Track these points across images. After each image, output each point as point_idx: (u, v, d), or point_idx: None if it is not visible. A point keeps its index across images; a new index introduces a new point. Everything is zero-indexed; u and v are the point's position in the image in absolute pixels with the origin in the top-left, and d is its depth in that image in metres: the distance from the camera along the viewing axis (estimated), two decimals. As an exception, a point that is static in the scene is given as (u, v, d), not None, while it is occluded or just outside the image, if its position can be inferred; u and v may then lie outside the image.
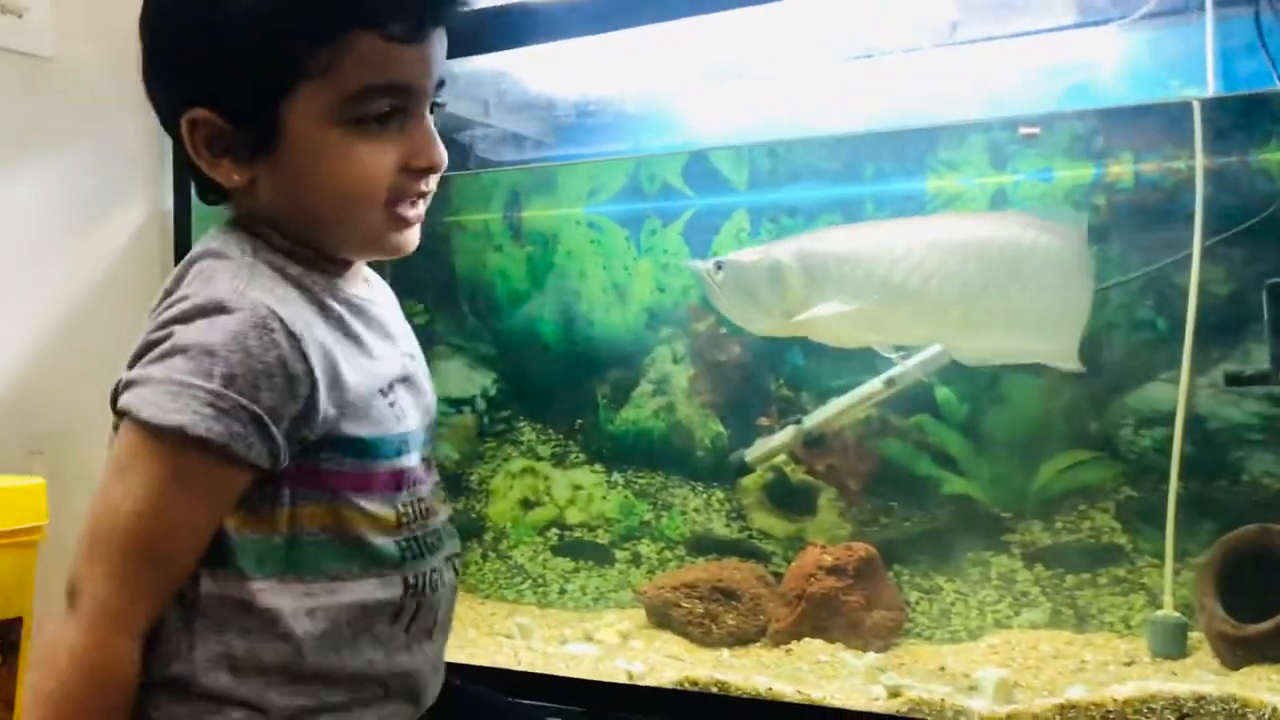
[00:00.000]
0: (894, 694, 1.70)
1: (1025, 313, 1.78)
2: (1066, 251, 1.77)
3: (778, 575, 2.19)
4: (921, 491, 2.15)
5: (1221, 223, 1.81)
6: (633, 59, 2.11)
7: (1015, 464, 2.08)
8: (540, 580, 2.46)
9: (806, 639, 2.04)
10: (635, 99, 2.32)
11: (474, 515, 2.53)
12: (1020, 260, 1.78)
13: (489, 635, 2.22)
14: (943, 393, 2.11)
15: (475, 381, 2.59)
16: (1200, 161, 1.79)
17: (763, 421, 2.27)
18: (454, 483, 2.55)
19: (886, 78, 2.06)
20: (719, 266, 1.91)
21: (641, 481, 2.41)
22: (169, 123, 0.97)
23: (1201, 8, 1.85)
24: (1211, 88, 1.85)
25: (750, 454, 2.20)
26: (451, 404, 2.57)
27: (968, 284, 1.78)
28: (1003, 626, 2.04)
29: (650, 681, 1.85)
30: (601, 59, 2.10)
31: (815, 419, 2.12)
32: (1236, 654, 1.70)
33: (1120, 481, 1.99)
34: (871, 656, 1.94)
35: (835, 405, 2.10)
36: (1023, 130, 1.98)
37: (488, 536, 2.52)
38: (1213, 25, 1.84)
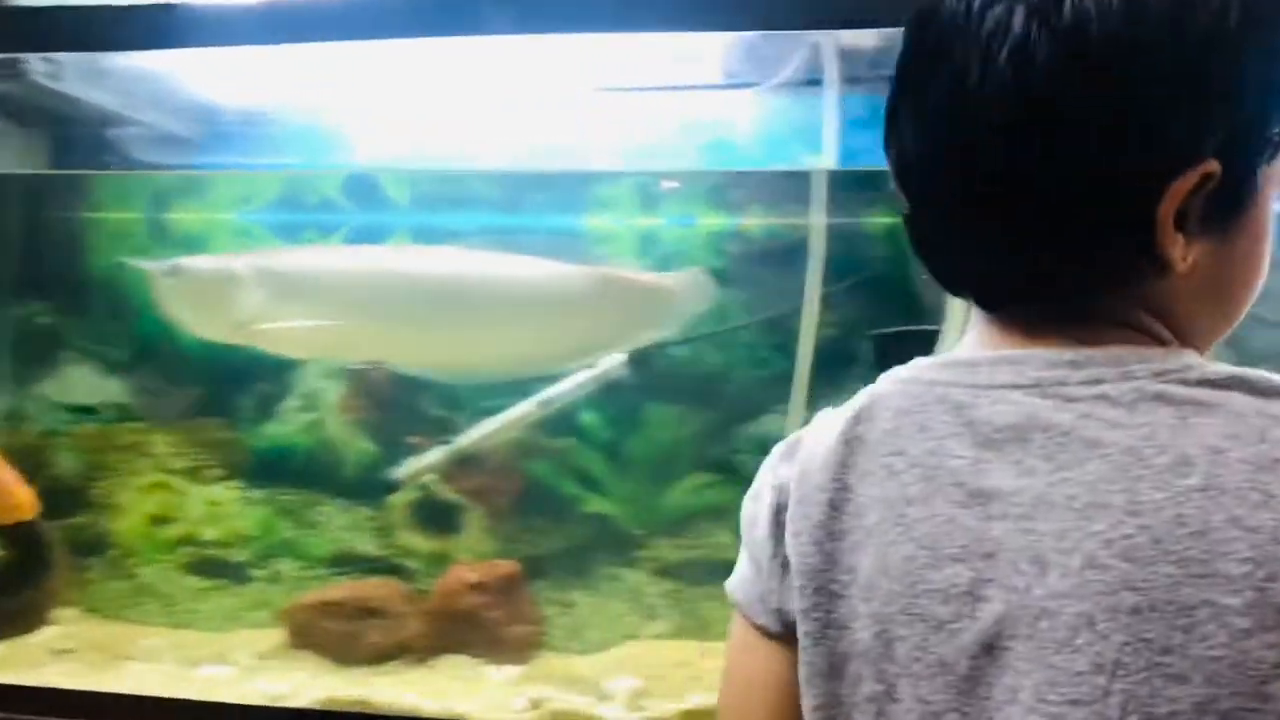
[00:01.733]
0: (536, 705, 1.80)
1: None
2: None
3: (423, 593, 2.24)
4: (563, 510, 2.27)
5: (836, 275, 2.07)
6: (302, 73, 2.09)
7: (649, 485, 2.25)
8: (171, 600, 2.35)
9: (449, 654, 2.10)
10: (302, 112, 2.30)
11: (96, 531, 2.38)
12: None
13: (113, 659, 2.10)
14: (588, 416, 2.25)
15: (104, 389, 2.45)
16: (818, 223, 2.03)
17: (413, 440, 2.31)
18: (75, 496, 2.39)
19: (555, 118, 2.18)
20: (174, 270, 1.99)
21: (285, 499, 2.37)
22: (1141, 181, 0.69)
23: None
24: (831, 157, 2.10)
25: (400, 472, 2.24)
26: (77, 412, 2.41)
27: (416, 309, 2.03)
28: (632, 638, 2.19)
29: (292, 703, 1.84)
30: (272, 69, 2.07)
31: (466, 438, 2.20)
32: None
33: (739, 502, 2.20)
34: (511, 670, 2.03)
35: (487, 425, 2.18)
36: (665, 184, 2.16)
37: (112, 554, 2.38)
38: (836, 99, 2.08)
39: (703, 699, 1.78)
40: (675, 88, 2.20)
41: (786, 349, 2.12)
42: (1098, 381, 0.67)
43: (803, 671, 0.74)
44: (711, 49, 2.10)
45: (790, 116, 2.21)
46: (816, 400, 2.10)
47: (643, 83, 2.20)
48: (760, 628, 0.79)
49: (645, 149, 2.23)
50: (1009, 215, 0.69)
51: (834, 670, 0.72)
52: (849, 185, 2.08)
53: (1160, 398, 0.65)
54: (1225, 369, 0.67)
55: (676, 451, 2.24)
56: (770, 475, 0.80)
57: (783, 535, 0.76)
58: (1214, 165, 0.68)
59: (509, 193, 2.27)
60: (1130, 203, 0.68)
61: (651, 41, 2.06)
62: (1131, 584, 0.61)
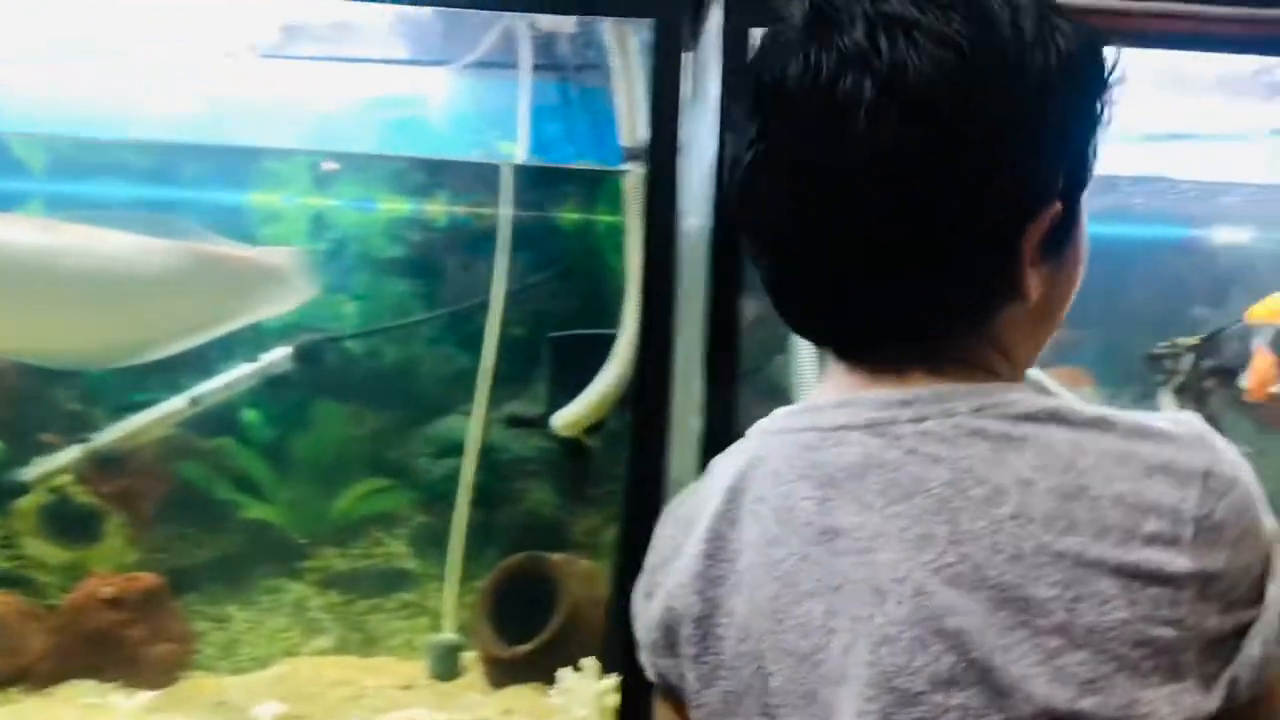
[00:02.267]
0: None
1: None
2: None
3: (51, 609, 1.98)
4: (219, 516, 2.07)
5: (524, 271, 1.98)
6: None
7: (316, 490, 2.08)
8: None
9: (76, 680, 1.86)
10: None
11: None
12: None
13: None
14: (248, 414, 2.05)
15: None
16: (505, 216, 1.93)
17: (47, 439, 2.04)
18: None
19: (218, 82, 1.97)
20: None
21: (-119, 502, 2.04)
22: (1006, 227, 0.74)
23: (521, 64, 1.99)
24: (523, 144, 2.00)
25: (27, 474, 1.97)
26: None
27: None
28: (292, 654, 2.02)
29: None
30: None
31: (107, 437, 1.96)
32: (501, 674, 1.84)
33: (415, 508, 2.08)
34: (145, 696, 1.81)
35: (131, 423, 1.95)
36: (324, 165, 2.00)
37: None
38: (529, 84, 1.99)
39: (357, 722, 1.64)
40: (361, 60, 2.04)
41: (472, 345, 2.01)
42: (922, 419, 0.72)
43: (697, 715, 0.78)
44: (403, 23, 1.96)
45: (483, 98, 2.09)
46: (501, 400, 2.00)
47: (325, 53, 2.04)
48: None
49: (327, 124, 2.06)
50: (870, 263, 0.72)
51: (728, 709, 0.76)
52: (540, 178, 1.99)
53: (978, 433, 0.70)
54: (1047, 403, 0.71)
55: (347, 453, 2.09)
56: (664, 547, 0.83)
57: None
58: (1058, 203, 0.74)
59: (162, 163, 2.04)
60: (992, 248, 0.72)
61: (337, 10, 1.90)
62: (956, 609, 0.67)
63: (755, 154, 0.75)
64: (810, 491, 0.73)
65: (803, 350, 1.96)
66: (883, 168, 0.70)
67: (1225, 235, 2.03)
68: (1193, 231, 2.05)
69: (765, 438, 0.78)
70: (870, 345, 0.76)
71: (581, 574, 1.86)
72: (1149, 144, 1.80)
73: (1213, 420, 1.54)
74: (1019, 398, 0.72)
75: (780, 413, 0.79)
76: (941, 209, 0.71)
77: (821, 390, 0.80)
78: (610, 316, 1.69)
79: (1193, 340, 1.60)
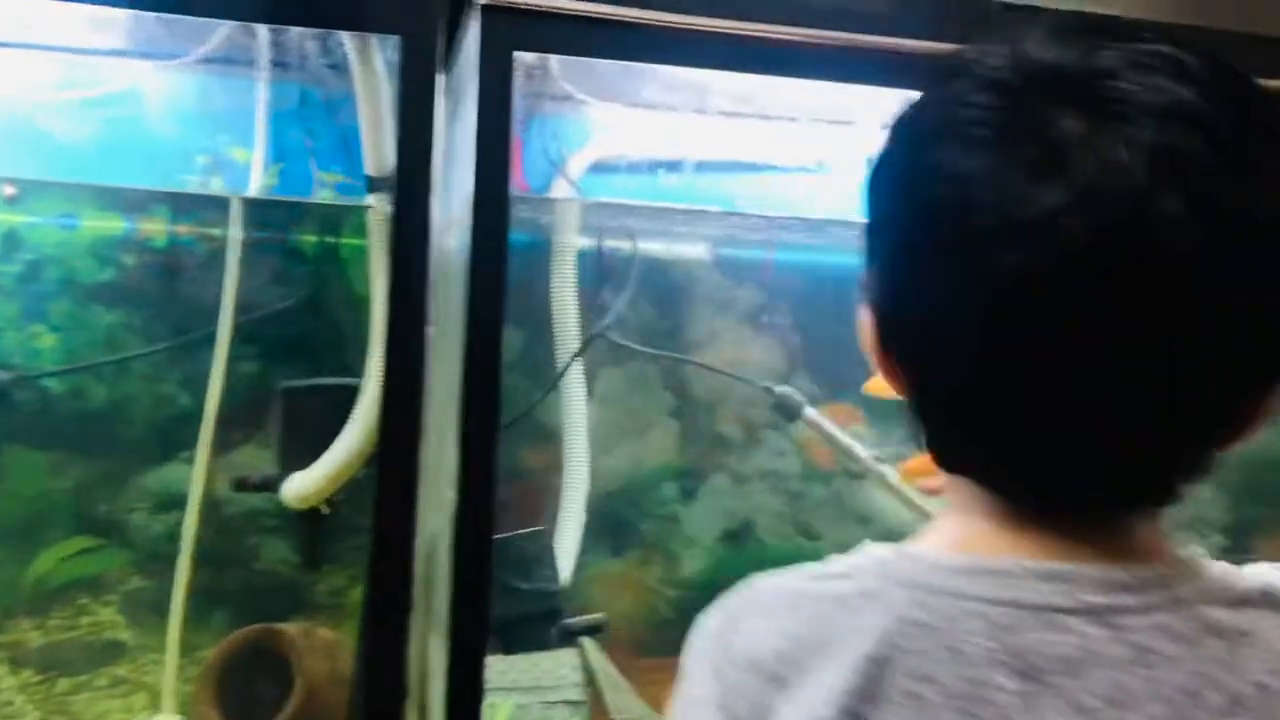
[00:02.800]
0: None
1: None
2: None
3: None
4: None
5: (259, 300, 1.76)
6: None
7: (7, 552, 1.79)
8: None
9: None
10: None
11: None
12: None
13: None
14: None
15: None
16: (235, 238, 1.71)
17: None
18: None
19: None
20: None
21: None
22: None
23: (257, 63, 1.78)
24: (259, 154, 1.78)
25: None
26: None
27: None
28: (-25, 749, 1.72)
29: None
30: None
31: None
32: (229, 762, 1.62)
33: (129, 570, 1.82)
34: None
35: None
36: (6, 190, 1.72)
37: None
38: (267, 86, 1.78)
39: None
40: (74, 51, 1.77)
41: (196, 384, 1.77)
42: (1150, 609, 0.62)
43: None
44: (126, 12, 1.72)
45: (216, 98, 1.86)
46: (230, 445, 1.78)
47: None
48: None
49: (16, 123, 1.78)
50: (1163, 408, 0.60)
51: None
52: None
53: (1212, 629, 0.62)
54: (1248, 580, 0.65)
55: (47, 509, 1.80)
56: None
57: None
58: None
59: None
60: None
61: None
62: None
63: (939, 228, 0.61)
64: (1009, 684, 0.61)
65: (573, 388, 1.84)
66: (1200, 248, 0.57)
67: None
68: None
69: (919, 595, 0.63)
70: (1094, 501, 0.65)
71: (322, 647, 1.65)
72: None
73: None
74: (1221, 574, 0.65)
75: (922, 556, 0.65)
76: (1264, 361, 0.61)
77: (976, 538, 0.66)
78: (363, 350, 1.51)
79: None
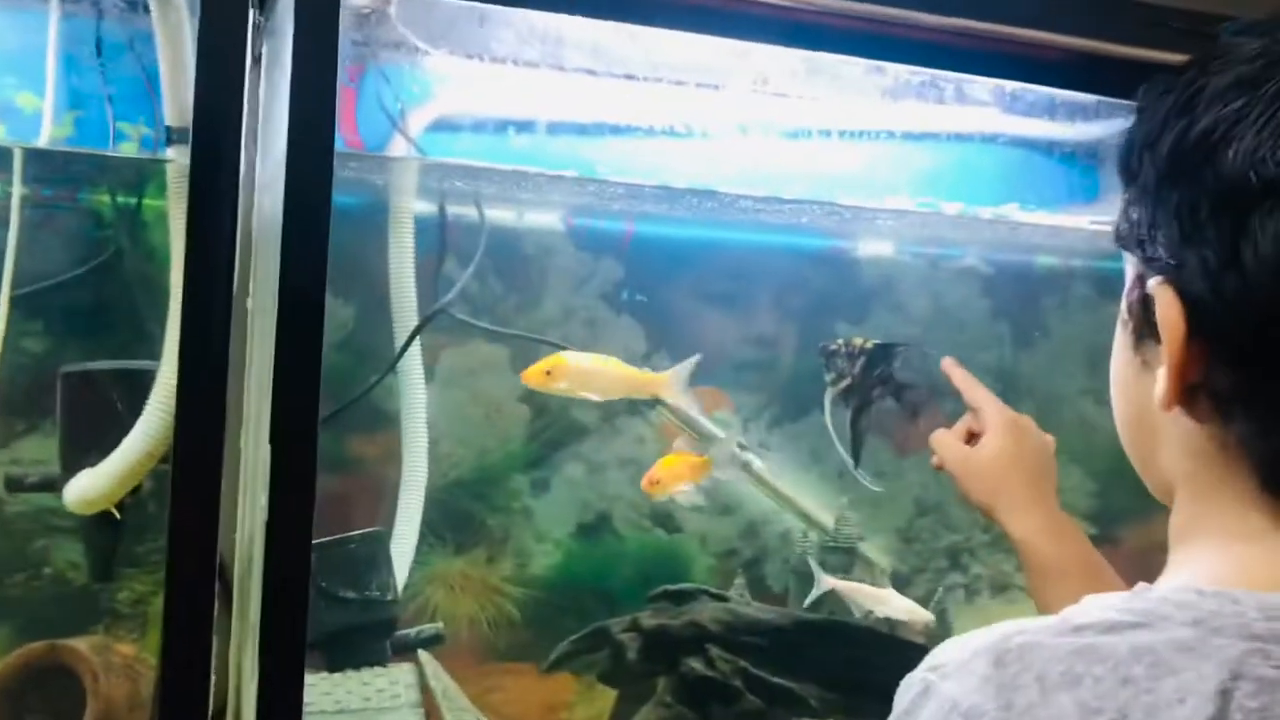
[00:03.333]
0: None
1: None
2: None
3: None
4: None
5: (41, 270, 1.54)
6: None
7: None
8: None
9: None
10: None
11: None
12: None
13: None
14: None
15: None
16: (18, 200, 1.49)
17: None
18: None
19: None
20: None
21: None
22: None
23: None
24: (50, 100, 1.56)
25: None
26: None
27: None
28: None
29: None
30: None
31: None
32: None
33: None
34: None
35: None
36: None
37: None
38: (58, 23, 1.56)
39: None
40: None
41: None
42: None
43: None
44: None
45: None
46: (9, 438, 1.56)
47: None
48: None
49: None
50: None
51: None
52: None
53: None
54: None
55: None
56: None
57: None
58: None
59: None
60: None
61: None
62: None
63: None
64: None
65: (412, 370, 1.67)
66: None
67: (869, 248, 1.94)
68: (836, 243, 1.94)
69: (1257, 645, 0.54)
70: None
71: (121, 665, 1.46)
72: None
73: (861, 436, 1.41)
74: None
75: (1244, 598, 0.56)
76: None
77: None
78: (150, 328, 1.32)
79: (868, 343, 1.49)
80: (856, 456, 1.53)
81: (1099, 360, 2.10)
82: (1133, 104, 0.68)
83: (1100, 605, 0.60)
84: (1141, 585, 0.61)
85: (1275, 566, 0.60)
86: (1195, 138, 0.60)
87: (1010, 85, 1.58)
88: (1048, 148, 1.75)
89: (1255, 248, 0.56)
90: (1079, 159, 1.83)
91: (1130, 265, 0.67)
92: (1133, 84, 0.70)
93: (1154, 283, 0.62)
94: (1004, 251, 2.01)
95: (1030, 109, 1.67)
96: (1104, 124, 1.78)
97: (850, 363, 1.48)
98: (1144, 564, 2.10)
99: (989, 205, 1.76)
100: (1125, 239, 0.66)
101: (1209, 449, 0.63)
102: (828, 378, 1.51)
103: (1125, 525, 2.10)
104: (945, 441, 1.25)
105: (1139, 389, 0.67)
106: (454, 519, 1.74)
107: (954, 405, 1.88)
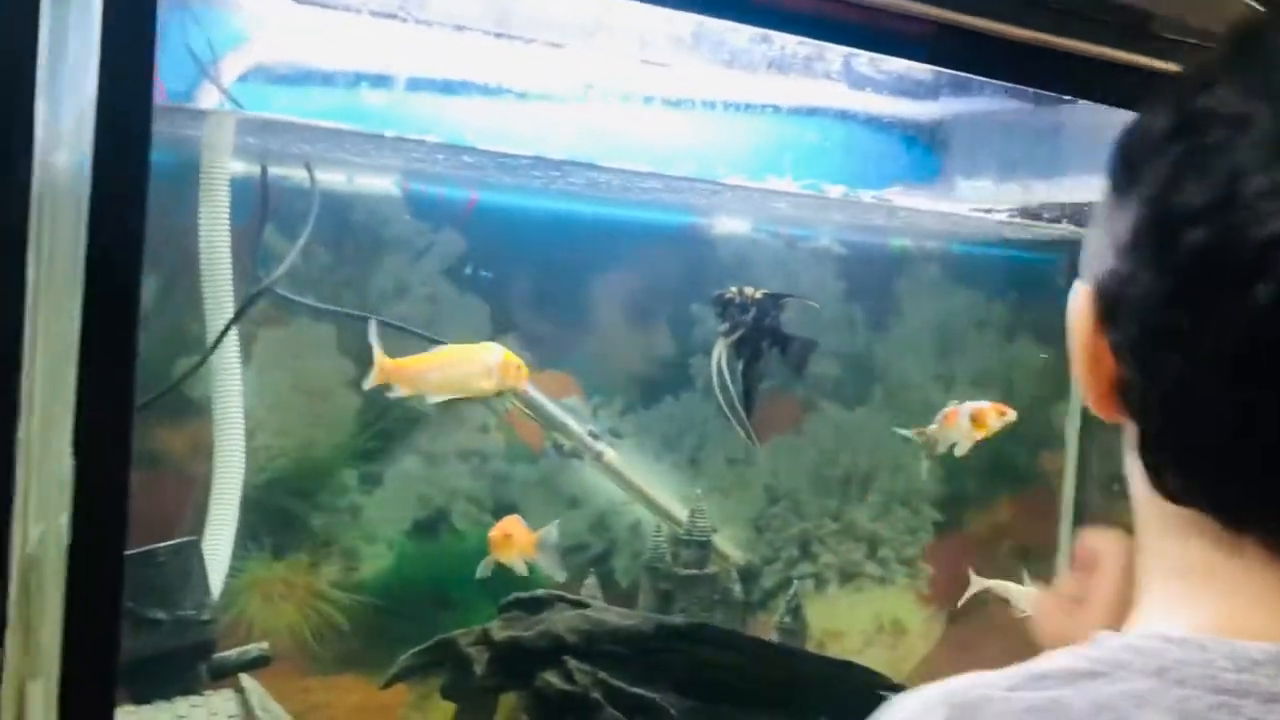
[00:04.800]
0: None
1: None
2: None
3: None
4: None
5: None
6: None
7: None
8: None
9: None
10: None
11: None
12: None
13: None
14: None
15: None
16: None
17: None
18: None
19: None
20: None
21: None
22: None
23: None
24: None
25: None
26: None
27: None
28: None
29: None
30: None
31: None
32: None
33: None
34: None
35: None
36: None
37: None
38: None
39: None
40: None
41: None
42: None
43: None
44: None
45: None
46: None
47: None
48: None
49: None
50: None
51: None
52: None
53: None
54: None
55: None
56: None
57: None
58: None
59: None
60: None
61: None
62: None
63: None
64: None
65: (226, 353, 1.50)
66: None
67: (724, 225, 1.87)
68: (693, 220, 1.86)
69: (1222, 699, 0.52)
70: None
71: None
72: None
73: (753, 388, 1.37)
74: None
75: (1206, 645, 0.54)
76: None
77: (1242, 609, 0.56)
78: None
79: (758, 293, 1.46)
80: (749, 409, 1.50)
81: (949, 342, 2.12)
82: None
83: (1067, 652, 0.57)
84: (1105, 634, 0.58)
85: (1247, 608, 0.57)
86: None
87: (864, 62, 1.55)
88: (900, 127, 1.74)
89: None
90: (921, 139, 1.83)
91: None
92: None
93: None
94: (859, 233, 1.99)
95: (880, 87, 1.64)
96: (947, 103, 1.78)
97: (744, 312, 1.46)
98: (989, 550, 2.15)
99: (845, 185, 1.74)
100: None
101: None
102: (721, 328, 1.49)
103: (971, 510, 2.14)
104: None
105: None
106: (273, 520, 1.57)
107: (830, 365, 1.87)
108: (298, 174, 1.51)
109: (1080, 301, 0.60)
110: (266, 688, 1.45)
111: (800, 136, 1.64)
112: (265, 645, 1.38)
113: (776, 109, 1.59)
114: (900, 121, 1.76)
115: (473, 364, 1.40)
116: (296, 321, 1.58)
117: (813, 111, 1.62)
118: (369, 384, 1.36)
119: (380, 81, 1.42)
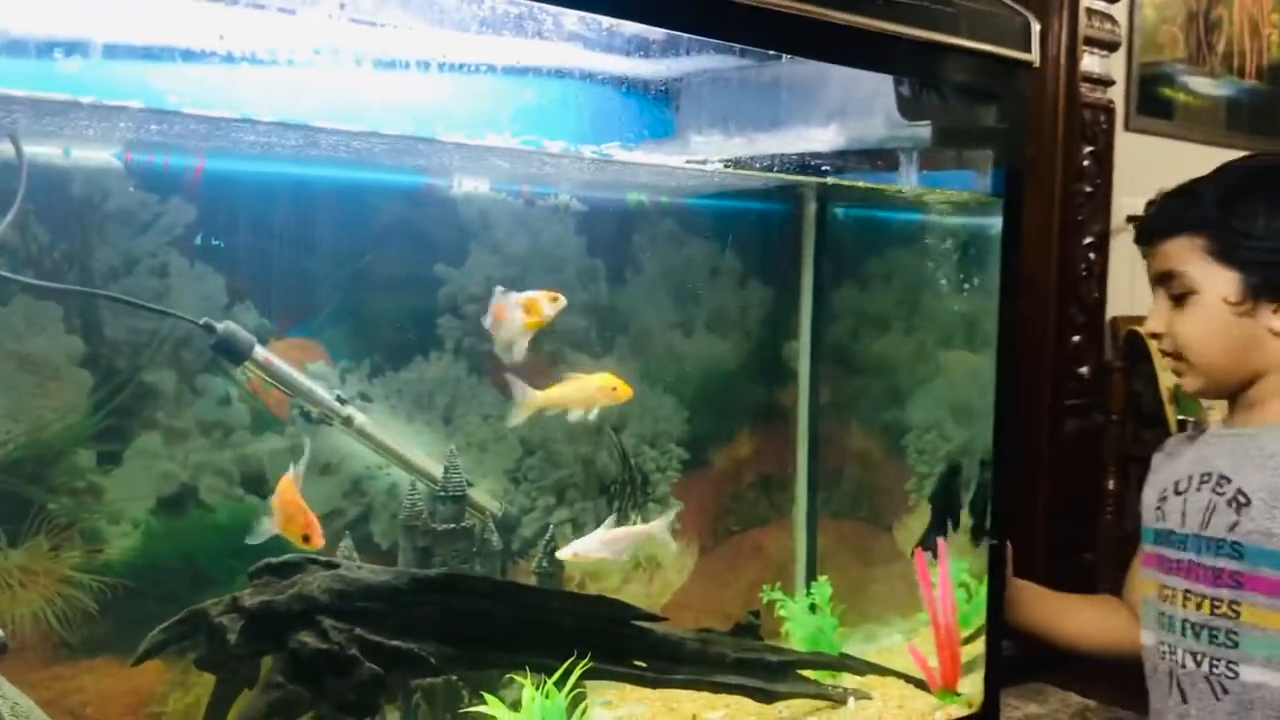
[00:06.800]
0: None
1: None
2: None
3: None
4: None
5: None
6: None
7: None
8: None
9: None
10: None
11: None
12: None
13: None
14: None
15: None
16: None
17: None
18: None
19: None
20: None
21: None
22: None
23: None
24: None
25: None
26: None
27: None
28: None
29: None
30: None
31: None
32: None
33: None
34: None
35: None
36: None
37: None
38: None
39: None
40: None
41: None
42: None
43: None
44: None
45: None
46: None
47: None
48: None
49: None
50: None
51: None
52: None
53: None
54: None
55: None
56: None
57: None
58: None
59: None
60: None
61: None
62: None
63: None
64: None
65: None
66: None
67: (462, 185, 1.89)
68: (428, 180, 1.88)
69: None
70: None
71: None
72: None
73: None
74: None
75: None
76: None
77: None
78: None
79: None
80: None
81: (685, 293, 2.21)
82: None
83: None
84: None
85: None
86: None
87: (605, 21, 1.60)
88: (635, 85, 1.80)
89: None
90: (658, 95, 1.90)
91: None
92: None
93: None
94: (598, 189, 2.05)
95: (614, 46, 1.70)
96: (681, 61, 1.86)
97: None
98: (731, 482, 2.27)
99: (584, 143, 1.79)
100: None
101: None
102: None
103: (712, 447, 2.25)
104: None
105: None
106: (6, 506, 1.52)
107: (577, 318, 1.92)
108: (6, 147, 1.45)
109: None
110: (10, 678, 1.42)
111: (519, 95, 1.67)
112: (2, 634, 1.34)
113: (494, 68, 1.62)
114: (631, 79, 1.82)
115: (592, 386, 1.81)
116: (16, 300, 1.53)
117: (533, 70, 1.66)
118: (515, 421, 1.79)
119: (77, 48, 1.37)
